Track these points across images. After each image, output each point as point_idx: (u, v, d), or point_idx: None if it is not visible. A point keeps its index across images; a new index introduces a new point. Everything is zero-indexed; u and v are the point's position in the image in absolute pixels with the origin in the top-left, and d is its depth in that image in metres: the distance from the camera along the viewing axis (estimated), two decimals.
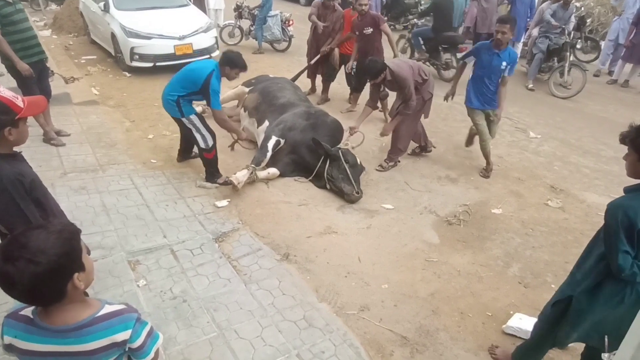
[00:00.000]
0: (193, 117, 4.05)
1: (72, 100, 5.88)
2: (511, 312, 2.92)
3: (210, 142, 4.11)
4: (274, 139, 4.47)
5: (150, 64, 7.18)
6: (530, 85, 7.83)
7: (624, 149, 1.94)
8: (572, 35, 7.42)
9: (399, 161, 4.86)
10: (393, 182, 4.56)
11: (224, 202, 3.93)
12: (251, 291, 2.93)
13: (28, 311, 1.21)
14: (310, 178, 4.44)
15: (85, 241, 1.47)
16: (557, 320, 2.19)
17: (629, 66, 8.14)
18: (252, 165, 4.20)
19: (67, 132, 4.91)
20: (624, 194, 1.91)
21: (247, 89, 5.51)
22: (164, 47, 7.18)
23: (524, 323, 2.75)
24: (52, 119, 4.87)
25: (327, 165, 4.26)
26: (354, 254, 3.40)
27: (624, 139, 1.91)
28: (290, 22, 9.18)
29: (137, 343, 1.27)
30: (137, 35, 7.03)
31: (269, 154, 4.39)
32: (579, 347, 2.48)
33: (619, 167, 4.99)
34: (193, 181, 4.27)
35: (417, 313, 2.89)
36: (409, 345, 2.65)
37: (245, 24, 9.61)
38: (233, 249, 3.36)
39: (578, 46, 7.39)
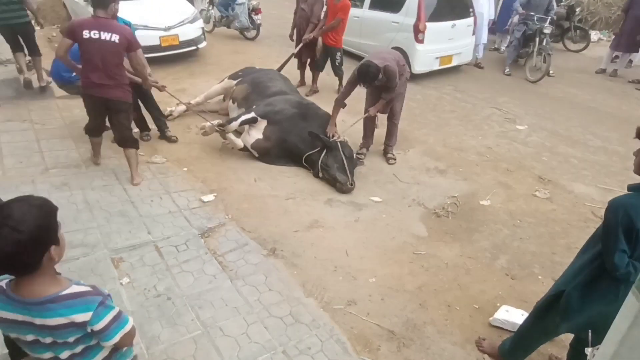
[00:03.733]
0: None
1: (55, 94, 5.73)
2: (498, 305, 2.92)
3: None
4: (251, 114, 4.52)
5: None
6: (507, 70, 8.04)
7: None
8: (547, 21, 7.51)
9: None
10: (382, 174, 4.54)
11: (210, 197, 3.87)
12: (237, 287, 2.90)
13: (2, 282, 1.31)
14: (304, 160, 4.43)
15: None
16: (545, 311, 2.20)
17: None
18: (214, 123, 4.43)
19: None
20: (627, 192, 1.87)
21: (234, 82, 5.43)
22: (150, 38, 7.01)
23: (511, 315, 2.76)
24: (34, 114, 4.79)
25: (322, 154, 4.25)
26: (341, 248, 3.38)
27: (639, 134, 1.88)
28: (258, 11, 9.14)
29: (98, 326, 1.31)
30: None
31: (235, 123, 4.47)
32: (565, 339, 2.49)
33: (607, 157, 5.00)
34: (179, 175, 4.20)
35: (405, 307, 2.88)
36: (396, 339, 2.64)
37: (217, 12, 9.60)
38: (219, 244, 3.31)
39: (547, 31, 7.49)
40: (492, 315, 2.81)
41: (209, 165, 4.43)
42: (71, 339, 1.32)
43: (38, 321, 1.27)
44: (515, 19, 8.08)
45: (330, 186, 4.23)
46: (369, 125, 4.79)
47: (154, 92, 4.55)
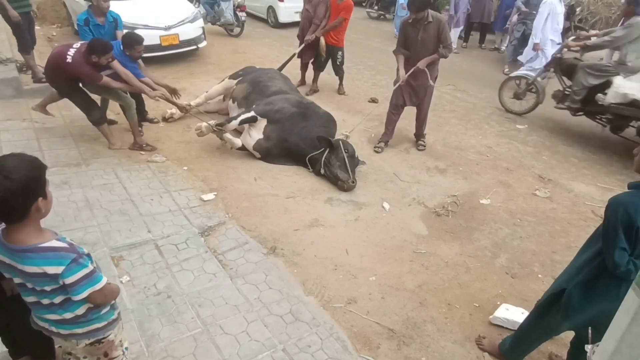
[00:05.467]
0: None
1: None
2: (498, 303, 2.91)
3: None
4: (250, 114, 4.53)
5: None
6: (506, 70, 8.05)
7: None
8: None
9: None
10: (382, 173, 4.54)
11: (211, 196, 3.87)
12: (237, 286, 2.90)
13: None
14: (307, 159, 4.44)
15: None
16: (547, 310, 2.21)
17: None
18: (211, 123, 4.42)
19: None
20: (627, 190, 1.87)
21: (234, 81, 5.43)
22: (150, 37, 6.96)
23: (511, 314, 2.76)
24: (34, 112, 4.80)
25: (326, 152, 4.26)
26: (341, 247, 3.38)
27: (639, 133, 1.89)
28: (243, 8, 9.28)
29: (69, 280, 1.43)
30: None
31: (235, 122, 4.49)
32: (566, 337, 2.49)
33: (606, 155, 5.00)
34: (179, 174, 4.20)
35: (405, 305, 2.88)
36: (396, 337, 2.64)
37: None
38: (219, 243, 3.31)
39: None
40: (492, 313, 2.81)
41: (209, 164, 4.44)
42: (47, 288, 1.46)
43: (19, 267, 1.42)
44: (515, 18, 8.10)
45: (330, 185, 4.23)
46: (392, 119, 4.88)
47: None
